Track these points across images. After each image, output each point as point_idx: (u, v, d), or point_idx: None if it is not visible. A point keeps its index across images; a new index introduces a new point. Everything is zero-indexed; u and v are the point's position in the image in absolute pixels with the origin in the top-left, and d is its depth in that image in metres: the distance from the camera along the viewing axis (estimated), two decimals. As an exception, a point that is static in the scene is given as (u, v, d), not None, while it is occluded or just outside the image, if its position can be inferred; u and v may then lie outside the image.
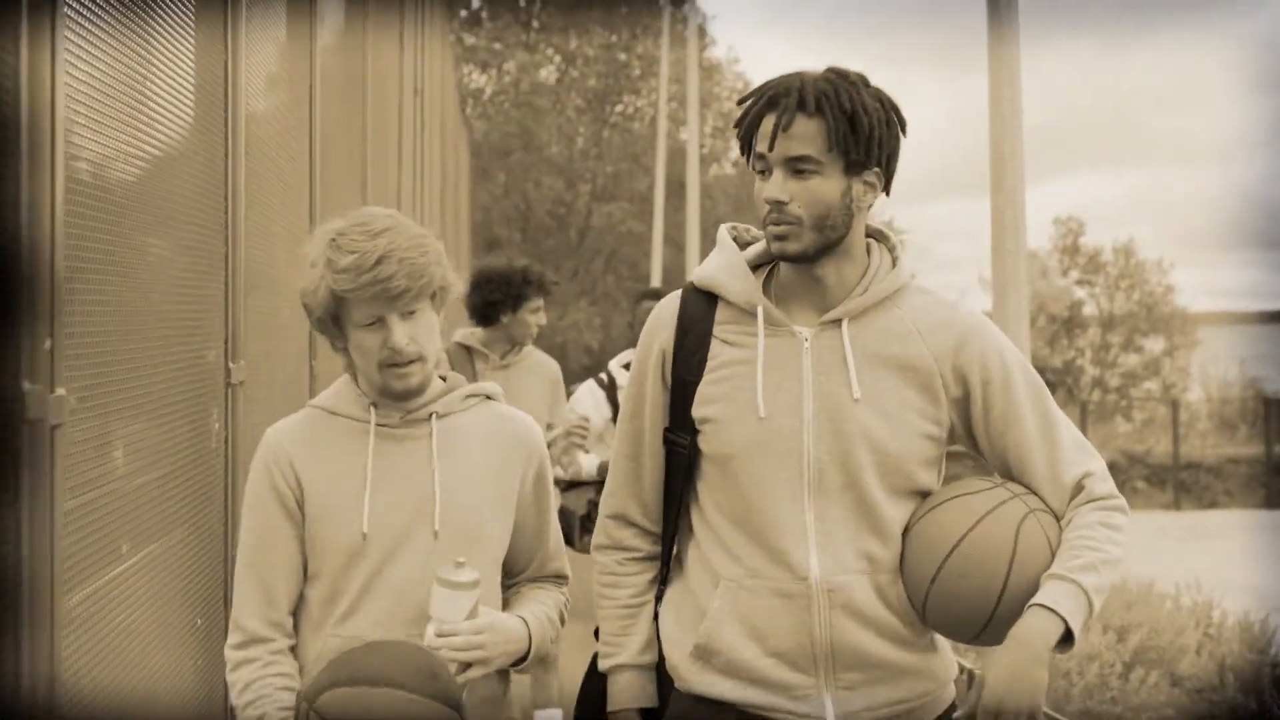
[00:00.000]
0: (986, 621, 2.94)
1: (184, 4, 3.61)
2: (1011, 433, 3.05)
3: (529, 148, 40.28)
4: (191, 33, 3.69)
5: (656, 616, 3.18)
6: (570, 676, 3.62)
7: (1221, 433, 39.58)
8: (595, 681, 3.22)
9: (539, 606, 3.33)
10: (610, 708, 3.16)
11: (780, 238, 2.98)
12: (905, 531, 3.03)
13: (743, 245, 3.18)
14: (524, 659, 3.22)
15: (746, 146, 3.03)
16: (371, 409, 3.24)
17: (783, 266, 3.08)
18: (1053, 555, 2.96)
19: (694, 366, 3.05)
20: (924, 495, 3.06)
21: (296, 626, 3.21)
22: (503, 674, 3.28)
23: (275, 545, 3.17)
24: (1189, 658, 10.21)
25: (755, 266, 3.13)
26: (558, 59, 41.95)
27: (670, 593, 3.16)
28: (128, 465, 3.13)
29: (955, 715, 2.92)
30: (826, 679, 3.00)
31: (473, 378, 6.61)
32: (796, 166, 2.95)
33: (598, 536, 3.23)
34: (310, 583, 3.19)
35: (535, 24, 42.14)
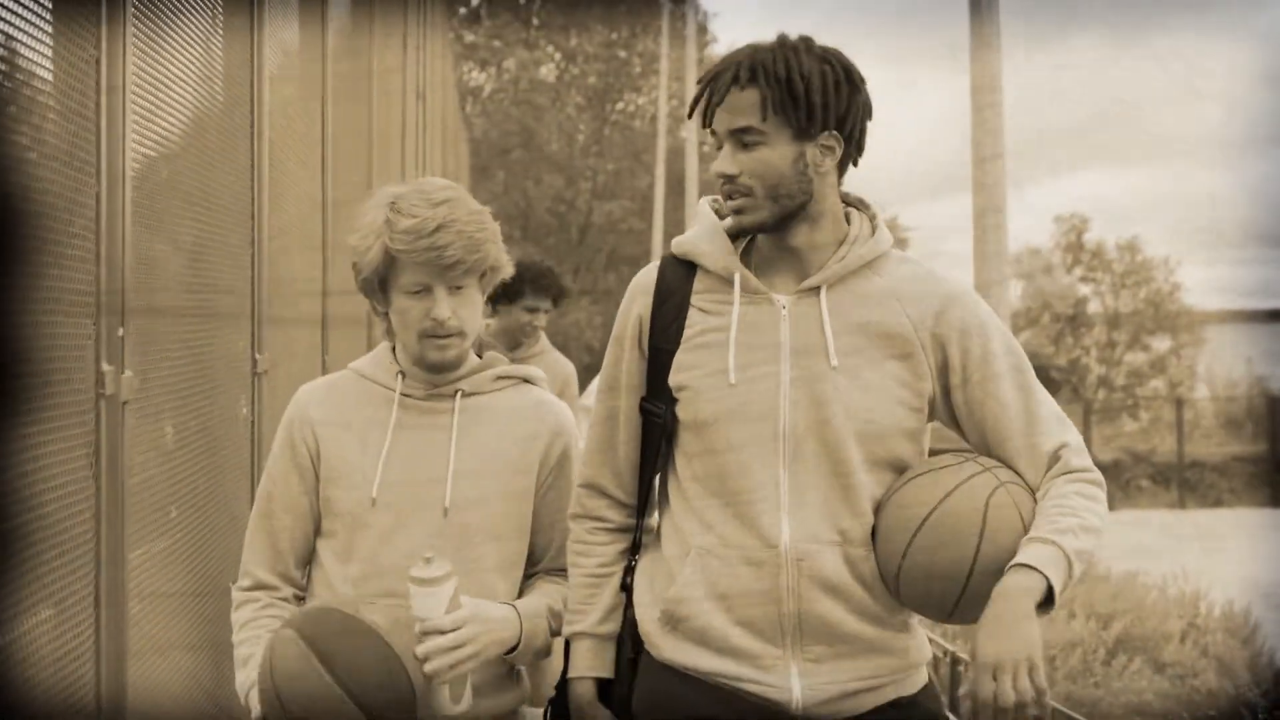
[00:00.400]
0: (959, 597, 2.93)
1: (212, 9, 3.92)
2: (990, 402, 3.06)
3: (529, 145, 40.51)
4: (221, 41, 4.00)
5: (625, 588, 3.20)
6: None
7: (1227, 431, 39.87)
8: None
9: (538, 596, 3.33)
10: (569, 674, 3.21)
11: (737, 211, 3.03)
12: (879, 507, 3.03)
13: (724, 218, 3.17)
14: (515, 648, 3.21)
15: (707, 125, 3.06)
16: (399, 377, 3.30)
17: (760, 236, 3.12)
18: (1025, 528, 2.95)
19: (671, 335, 3.08)
20: (903, 470, 3.06)
21: (310, 579, 3.29)
22: (514, 670, 3.34)
23: (285, 501, 3.26)
24: (1172, 645, 10.56)
25: (735, 236, 3.15)
26: (558, 56, 42.19)
27: (643, 562, 3.19)
28: (171, 444, 3.54)
29: (960, 693, 2.94)
30: (793, 650, 3.02)
31: None
32: (741, 139, 3.00)
33: (572, 505, 3.27)
34: (325, 539, 3.26)
35: (535, 21, 42.36)
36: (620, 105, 42.40)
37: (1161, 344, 44.53)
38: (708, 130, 3.08)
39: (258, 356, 4.44)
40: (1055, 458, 3.04)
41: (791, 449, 3.00)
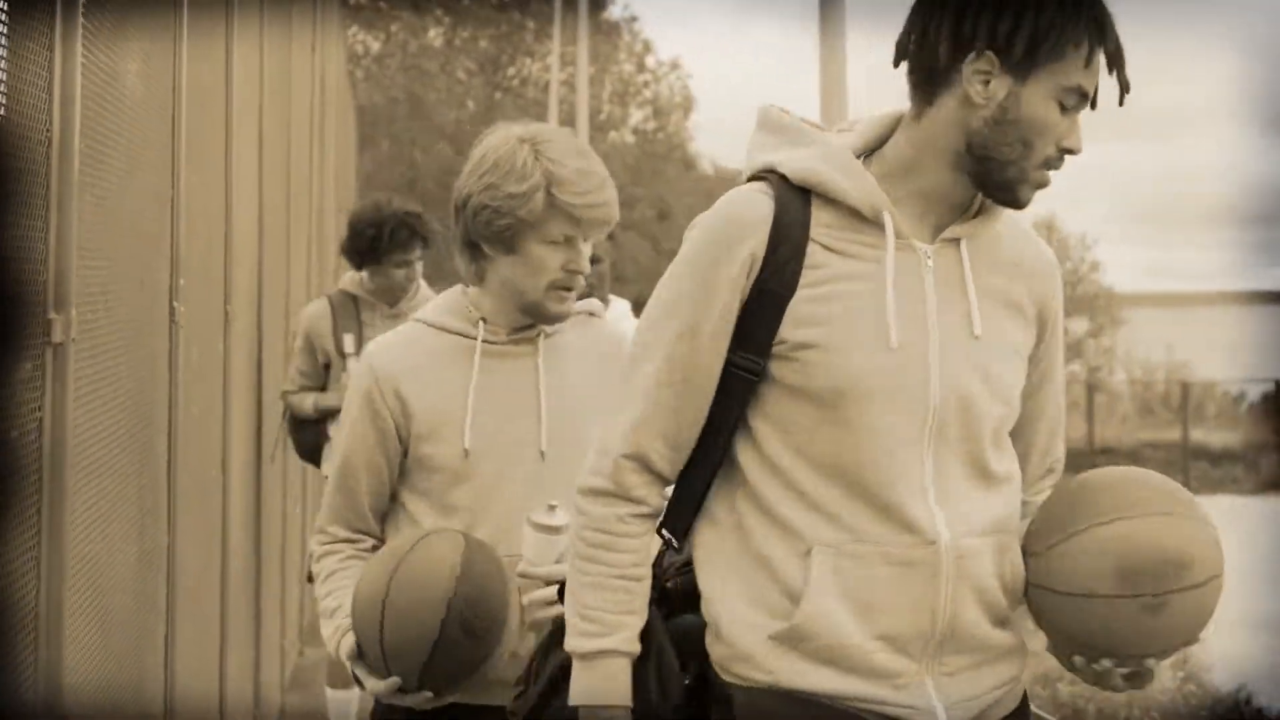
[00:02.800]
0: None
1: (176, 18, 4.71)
2: (1043, 390, 2.93)
3: (417, 113, 41.14)
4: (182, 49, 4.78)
5: (664, 592, 2.87)
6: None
7: (1142, 417, 41.74)
8: (554, 670, 2.89)
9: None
10: (591, 701, 2.76)
11: (1039, 186, 2.72)
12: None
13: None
14: None
15: (1027, 54, 2.65)
16: (481, 324, 3.47)
17: (881, 164, 2.77)
18: None
19: (787, 277, 2.69)
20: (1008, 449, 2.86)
21: (399, 533, 3.46)
22: None
23: (366, 462, 3.45)
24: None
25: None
26: (447, 19, 42.72)
27: (716, 563, 2.78)
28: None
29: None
30: (928, 664, 2.72)
31: (358, 328, 6.92)
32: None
33: (593, 479, 2.80)
34: (420, 496, 3.45)
35: (423, -19, 42.83)
36: (512, 71, 43.16)
37: (1079, 326, 46.22)
38: (1022, 67, 2.67)
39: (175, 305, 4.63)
40: (1050, 470, 2.99)
41: (937, 428, 2.72)
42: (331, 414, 6.93)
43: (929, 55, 2.70)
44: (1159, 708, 10.03)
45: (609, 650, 2.75)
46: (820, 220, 2.72)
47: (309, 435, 7.12)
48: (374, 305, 7.02)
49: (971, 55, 2.66)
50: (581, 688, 2.76)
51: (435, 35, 43.05)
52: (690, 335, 2.74)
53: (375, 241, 6.80)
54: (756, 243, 2.70)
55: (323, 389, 7.07)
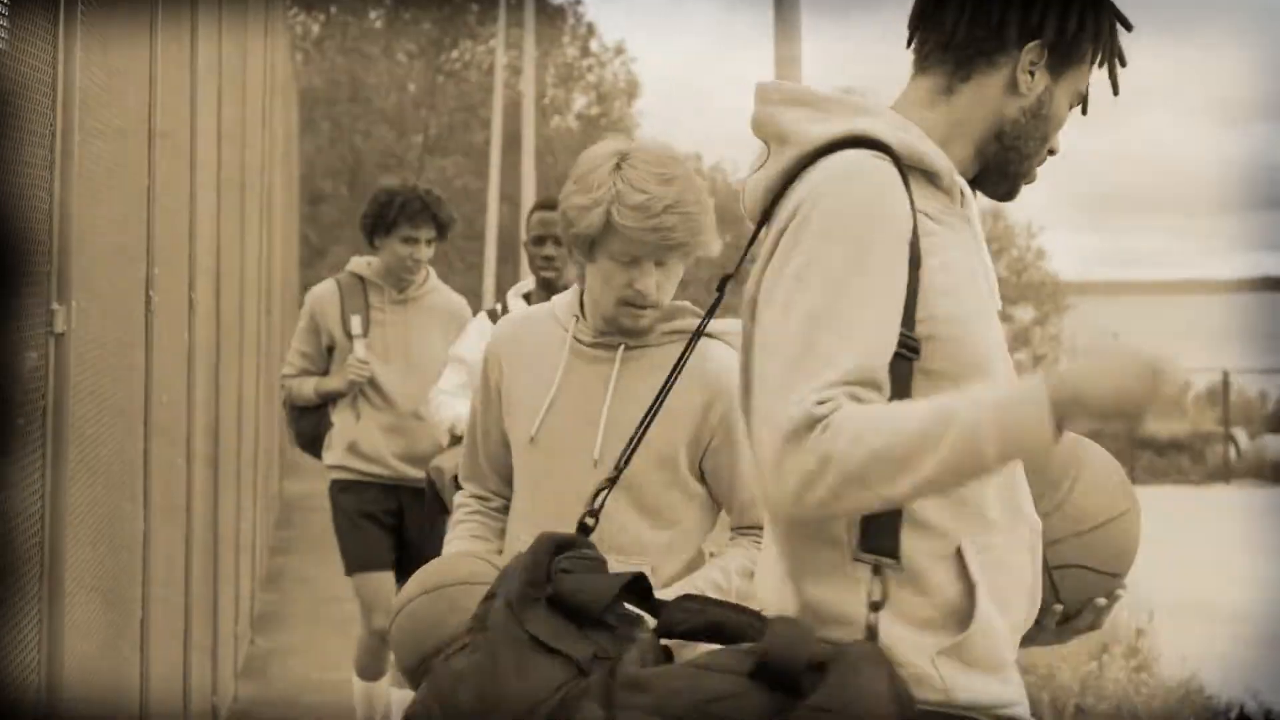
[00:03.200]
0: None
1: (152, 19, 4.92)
2: None
3: (357, 96, 41.04)
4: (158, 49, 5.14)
5: None
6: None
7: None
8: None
9: (710, 571, 3.54)
10: (1059, 395, 2.32)
11: (1030, 183, 2.78)
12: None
13: None
14: None
15: (1091, 56, 2.73)
16: (574, 320, 3.63)
17: None
18: None
19: (916, 250, 2.52)
20: None
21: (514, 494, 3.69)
22: None
23: (483, 423, 3.71)
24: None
25: None
26: (388, 1, 42.44)
27: None
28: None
29: None
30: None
31: (365, 310, 6.93)
32: None
33: (822, 408, 2.37)
34: (515, 469, 3.67)
35: (364, -39, 42.55)
36: (455, 54, 42.92)
37: (1025, 314, 46.53)
38: (1082, 57, 2.73)
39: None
40: None
41: None
42: (334, 398, 6.93)
43: (982, 32, 2.65)
44: (1111, 696, 10.22)
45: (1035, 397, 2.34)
46: (915, 191, 2.58)
47: (308, 424, 7.08)
48: (382, 289, 7.00)
49: (1034, 44, 2.65)
50: (1029, 426, 2.33)
51: (376, 17, 42.85)
52: (881, 297, 2.46)
53: (386, 209, 6.84)
54: (908, 207, 2.53)
55: (324, 373, 7.02)
